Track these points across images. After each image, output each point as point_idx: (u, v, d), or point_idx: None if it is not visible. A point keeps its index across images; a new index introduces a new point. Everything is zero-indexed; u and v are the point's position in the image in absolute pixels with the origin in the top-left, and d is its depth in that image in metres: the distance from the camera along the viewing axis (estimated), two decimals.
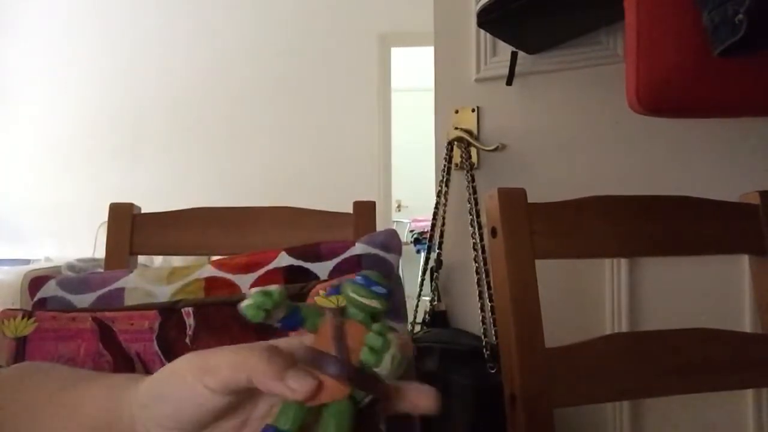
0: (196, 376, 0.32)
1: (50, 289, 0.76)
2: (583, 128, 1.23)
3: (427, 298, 1.35)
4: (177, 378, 0.33)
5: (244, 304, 0.33)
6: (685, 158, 1.14)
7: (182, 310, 0.67)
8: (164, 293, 0.74)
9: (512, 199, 0.73)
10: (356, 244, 0.75)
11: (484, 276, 1.24)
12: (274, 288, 0.33)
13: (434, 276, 1.33)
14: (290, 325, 0.34)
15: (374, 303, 0.33)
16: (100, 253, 1.22)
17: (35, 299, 0.76)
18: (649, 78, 0.83)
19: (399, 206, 4.99)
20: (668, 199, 0.81)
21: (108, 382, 0.38)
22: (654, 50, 0.83)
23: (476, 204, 1.27)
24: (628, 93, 0.86)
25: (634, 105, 0.86)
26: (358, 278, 0.34)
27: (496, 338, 1.17)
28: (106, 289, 0.75)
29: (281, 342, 0.36)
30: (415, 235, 3.93)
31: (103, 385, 0.38)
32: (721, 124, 1.10)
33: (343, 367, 0.32)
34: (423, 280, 1.37)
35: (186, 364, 0.33)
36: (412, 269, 2.44)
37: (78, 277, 0.78)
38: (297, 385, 0.31)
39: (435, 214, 1.35)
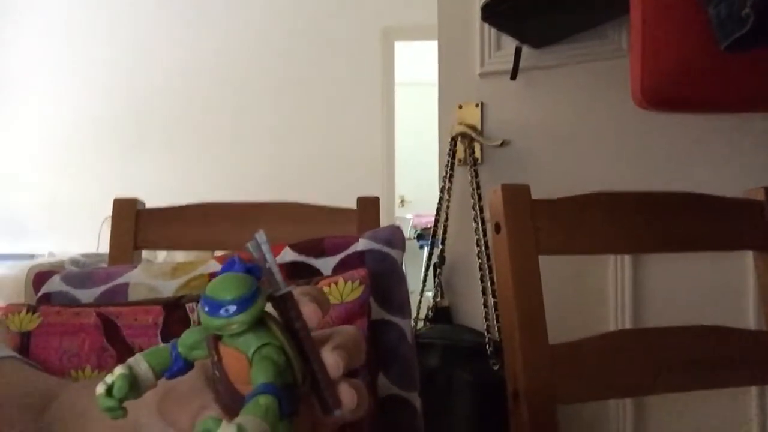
0: None
1: (54, 284, 0.76)
2: (588, 123, 1.22)
3: (431, 294, 1.35)
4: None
5: (104, 407, 0.29)
6: (689, 154, 1.13)
7: (186, 305, 0.68)
8: (168, 288, 0.74)
9: (516, 194, 0.73)
10: (360, 239, 0.75)
11: (487, 272, 1.24)
12: (116, 373, 0.29)
13: (437, 272, 1.32)
14: (177, 371, 0.31)
15: (233, 327, 0.27)
16: (104, 248, 1.22)
17: (39, 294, 0.76)
18: (654, 73, 0.83)
19: (402, 202, 4.99)
20: (673, 195, 0.81)
21: None
22: (659, 45, 0.82)
23: (480, 199, 1.27)
24: (633, 88, 0.85)
25: (639, 100, 0.85)
26: (202, 301, 0.28)
27: (500, 334, 1.17)
28: (110, 284, 0.75)
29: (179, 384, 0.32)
30: (418, 231, 3.93)
31: None
32: (725, 120, 1.10)
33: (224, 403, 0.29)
34: (426, 275, 1.37)
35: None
36: (415, 265, 2.43)
37: (82, 272, 0.78)
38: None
39: (438, 210, 1.35)
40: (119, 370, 0.29)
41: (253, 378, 0.27)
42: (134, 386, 0.29)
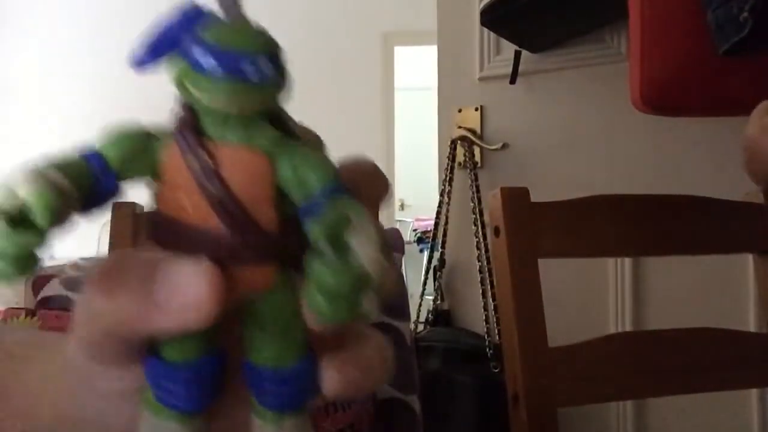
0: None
1: (53, 288, 0.76)
2: (587, 127, 1.23)
3: (431, 297, 1.35)
4: None
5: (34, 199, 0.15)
6: (689, 156, 1.14)
7: None
8: None
9: (515, 197, 0.73)
10: None
11: (487, 275, 1.23)
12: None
13: (437, 275, 1.32)
14: (106, 195, 0.17)
15: (264, 97, 0.16)
16: (104, 252, 1.22)
17: (38, 298, 0.76)
18: (653, 77, 0.83)
19: (402, 205, 4.98)
20: (672, 197, 0.81)
21: None
22: (658, 49, 0.82)
23: (479, 203, 1.27)
24: (632, 92, 0.86)
25: (638, 104, 0.86)
26: (195, 51, 0.15)
27: (499, 337, 1.17)
28: None
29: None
30: (418, 234, 3.92)
31: None
32: (725, 122, 1.10)
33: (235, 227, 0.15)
34: (426, 279, 1.37)
35: None
36: (415, 268, 2.44)
37: (82, 276, 0.78)
38: (171, 298, 0.16)
39: (438, 213, 1.35)
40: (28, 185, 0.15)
41: (300, 183, 0.15)
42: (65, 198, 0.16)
